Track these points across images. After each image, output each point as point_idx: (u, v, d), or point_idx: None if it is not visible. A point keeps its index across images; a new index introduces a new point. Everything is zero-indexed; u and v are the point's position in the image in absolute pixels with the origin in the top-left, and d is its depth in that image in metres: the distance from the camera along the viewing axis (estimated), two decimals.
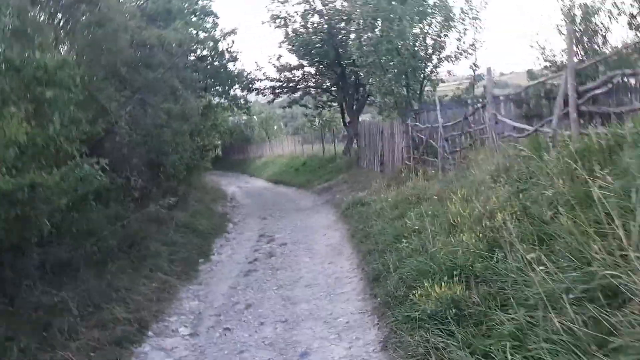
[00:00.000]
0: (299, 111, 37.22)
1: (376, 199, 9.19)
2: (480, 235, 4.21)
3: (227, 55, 16.56)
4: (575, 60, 7.29)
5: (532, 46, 9.72)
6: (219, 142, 36.00)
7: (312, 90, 19.99)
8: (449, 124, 9.80)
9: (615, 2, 8.28)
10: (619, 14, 8.30)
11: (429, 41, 11.58)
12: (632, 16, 8.10)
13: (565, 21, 8.63)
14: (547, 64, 10.14)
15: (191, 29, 14.20)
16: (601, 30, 8.68)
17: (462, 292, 3.64)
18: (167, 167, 11.17)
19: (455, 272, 3.87)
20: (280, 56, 20.13)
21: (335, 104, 20.46)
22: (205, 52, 16.04)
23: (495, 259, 3.80)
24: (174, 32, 9.58)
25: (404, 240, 5.41)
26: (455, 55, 11.52)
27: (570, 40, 6.36)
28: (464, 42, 11.49)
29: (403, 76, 11.44)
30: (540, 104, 7.84)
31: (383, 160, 14.35)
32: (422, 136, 11.51)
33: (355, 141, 18.39)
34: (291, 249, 8.40)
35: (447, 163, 9.64)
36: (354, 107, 18.52)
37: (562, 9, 9.20)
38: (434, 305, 3.61)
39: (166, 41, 9.15)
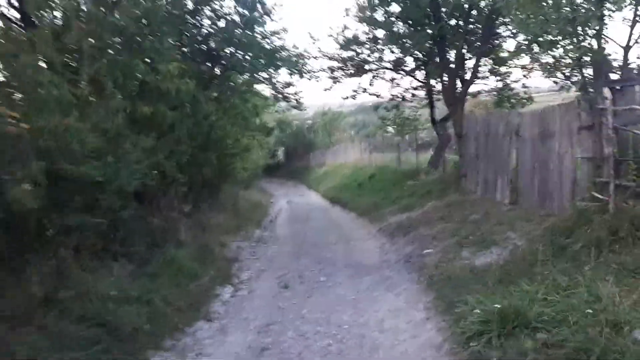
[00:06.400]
0: (371, 119, 31.99)
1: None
2: None
3: (259, 10, 10.78)
4: None
5: None
6: (272, 147, 31.60)
7: (390, 71, 13.83)
8: None
9: None
10: None
11: None
12: None
13: None
14: None
15: None
16: None
17: None
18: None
19: None
20: (345, 27, 14.14)
21: (422, 93, 14.10)
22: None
23: None
24: None
25: None
26: None
27: None
28: None
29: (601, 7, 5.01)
30: None
31: (517, 183, 7.84)
32: None
33: (454, 148, 11.93)
34: None
35: None
36: (456, 91, 11.85)
37: None
38: None
39: None
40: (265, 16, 10.94)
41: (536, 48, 6.29)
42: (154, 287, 5.92)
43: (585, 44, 5.19)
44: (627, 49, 5.30)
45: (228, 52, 11.67)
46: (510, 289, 4.02)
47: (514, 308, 3.35)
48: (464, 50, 11.41)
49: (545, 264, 4.64)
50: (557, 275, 4.08)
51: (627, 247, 4.38)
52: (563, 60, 5.41)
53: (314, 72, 15.08)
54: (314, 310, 5.57)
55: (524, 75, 12.30)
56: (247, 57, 11.87)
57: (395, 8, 12.76)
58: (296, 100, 17.13)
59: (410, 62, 13.79)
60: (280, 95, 16.55)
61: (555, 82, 5.33)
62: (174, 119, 7.96)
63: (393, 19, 12.76)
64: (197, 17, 10.70)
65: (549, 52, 5.49)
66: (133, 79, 6.79)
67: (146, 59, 7.14)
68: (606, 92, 5.54)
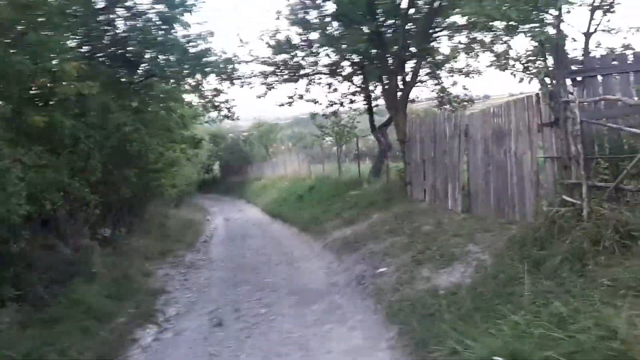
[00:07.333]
0: (308, 130, 31.54)
1: None
2: None
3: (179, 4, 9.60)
4: None
5: None
6: (206, 161, 30.18)
7: (326, 77, 13.11)
8: None
9: None
10: None
11: None
12: None
13: None
14: None
15: None
16: None
17: None
18: None
19: None
20: (277, 31, 13.27)
21: (360, 100, 13.46)
22: None
23: None
24: None
25: None
26: None
27: None
28: None
29: None
30: None
31: (471, 189, 7.27)
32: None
33: (398, 154, 11.31)
34: None
35: None
36: (397, 93, 11.22)
37: None
38: None
39: None
40: (186, 13, 9.76)
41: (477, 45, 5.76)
42: (52, 338, 4.70)
43: (545, 30, 4.67)
44: (587, 35, 4.85)
45: (148, 56, 10.41)
46: (494, 321, 3.25)
47: (511, 354, 2.56)
48: (403, 51, 10.85)
49: (522, 283, 3.95)
50: (543, 299, 3.37)
51: (614, 259, 3.77)
52: (518, 51, 4.88)
53: (246, 77, 14.12)
54: (253, 354, 4.56)
55: (465, 75, 12.04)
56: (169, 61, 10.66)
57: (329, 7, 12.10)
58: (227, 109, 16.02)
59: (347, 67, 13.18)
60: (209, 105, 15.36)
61: (513, 75, 4.83)
62: (76, 130, 6.68)
63: (328, 19, 12.06)
64: (109, 15, 9.38)
65: (508, 36, 4.92)
66: (17, 80, 5.50)
67: (34, 58, 5.86)
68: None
